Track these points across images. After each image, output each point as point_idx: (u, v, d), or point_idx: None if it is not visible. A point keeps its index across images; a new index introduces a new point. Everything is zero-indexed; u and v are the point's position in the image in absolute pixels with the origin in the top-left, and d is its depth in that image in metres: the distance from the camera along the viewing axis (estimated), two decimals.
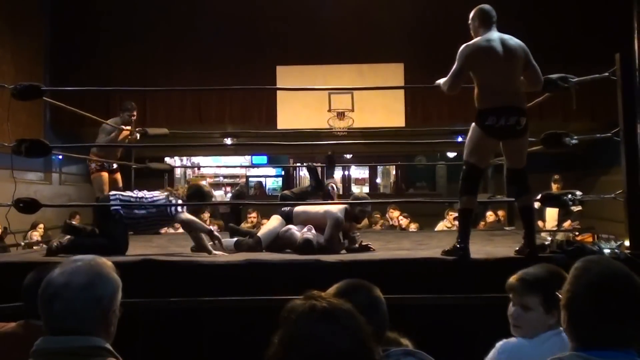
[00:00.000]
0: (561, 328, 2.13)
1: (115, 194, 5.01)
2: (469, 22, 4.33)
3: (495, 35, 4.17)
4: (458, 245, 4.15)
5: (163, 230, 8.65)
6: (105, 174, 6.85)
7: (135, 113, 7.03)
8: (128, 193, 5.03)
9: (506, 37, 4.18)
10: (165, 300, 3.78)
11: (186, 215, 4.88)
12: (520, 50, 4.16)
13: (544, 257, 4.03)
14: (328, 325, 1.27)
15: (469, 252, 4.15)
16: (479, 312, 3.58)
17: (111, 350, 1.62)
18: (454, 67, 4.22)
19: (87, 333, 1.57)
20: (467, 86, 4.35)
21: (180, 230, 9.80)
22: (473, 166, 4.21)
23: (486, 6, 4.30)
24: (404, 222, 9.76)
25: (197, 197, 4.99)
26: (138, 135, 6.94)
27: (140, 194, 4.91)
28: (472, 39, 4.25)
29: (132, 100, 7.24)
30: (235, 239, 5.20)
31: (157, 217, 4.90)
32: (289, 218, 5.22)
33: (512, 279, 2.27)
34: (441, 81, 4.41)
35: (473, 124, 4.20)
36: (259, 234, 5.12)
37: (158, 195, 4.93)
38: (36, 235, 9.08)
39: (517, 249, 4.24)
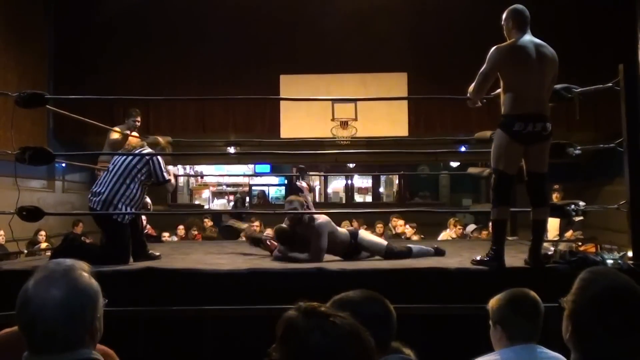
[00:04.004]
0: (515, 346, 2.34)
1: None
2: (502, 22, 4.20)
3: (529, 39, 4.06)
4: (489, 257, 4.06)
5: (165, 237, 8.62)
6: None
7: (139, 119, 7.10)
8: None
9: (541, 43, 4.08)
10: (168, 309, 3.77)
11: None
12: (553, 60, 4.09)
13: (549, 267, 4.03)
14: (329, 337, 1.26)
15: (504, 265, 4.05)
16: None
17: (99, 359, 1.58)
18: (482, 69, 4.11)
19: (72, 348, 1.51)
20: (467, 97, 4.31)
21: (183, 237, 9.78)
22: (502, 173, 4.09)
23: (520, 6, 4.17)
24: (409, 231, 9.73)
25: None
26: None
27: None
28: (502, 41, 4.12)
29: (136, 109, 7.29)
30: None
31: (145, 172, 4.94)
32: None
33: None
34: (471, 88, 4.28)
35: (498, 129, 4.10)
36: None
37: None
38: (42, 242, 9.08)
39: (526, 259, 4.18)
